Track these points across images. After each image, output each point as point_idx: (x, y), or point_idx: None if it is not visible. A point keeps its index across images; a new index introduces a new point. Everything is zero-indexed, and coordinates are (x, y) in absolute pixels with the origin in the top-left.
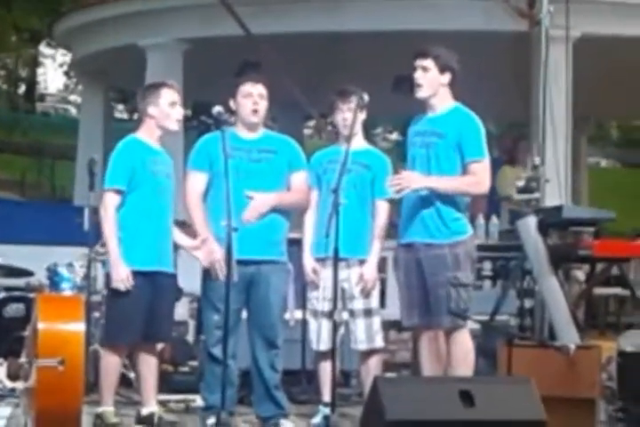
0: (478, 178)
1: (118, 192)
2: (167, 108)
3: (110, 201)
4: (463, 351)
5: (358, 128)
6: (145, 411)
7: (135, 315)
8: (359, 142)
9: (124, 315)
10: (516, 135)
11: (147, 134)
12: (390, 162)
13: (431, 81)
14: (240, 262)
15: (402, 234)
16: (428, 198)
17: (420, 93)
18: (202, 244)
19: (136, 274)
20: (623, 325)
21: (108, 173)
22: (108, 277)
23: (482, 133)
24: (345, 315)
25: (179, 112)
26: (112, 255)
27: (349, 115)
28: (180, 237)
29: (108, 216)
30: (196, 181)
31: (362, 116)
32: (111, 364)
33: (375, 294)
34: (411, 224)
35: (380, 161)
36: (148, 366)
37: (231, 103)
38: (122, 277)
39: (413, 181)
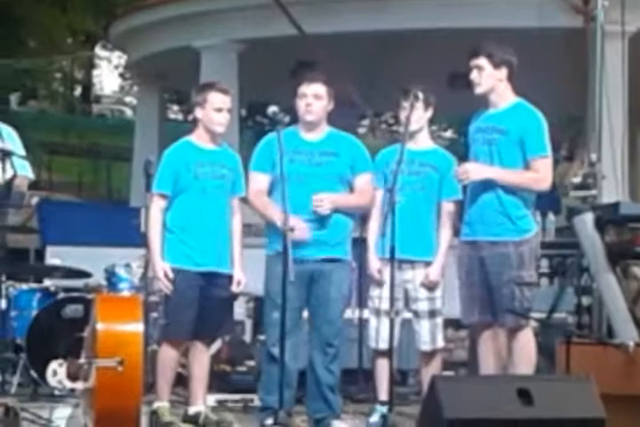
0: (541, 175)
1: (163, 196)
2: (212, 113)
3: (154, 204)
4: (526, 350)
5: (423, 126)
6: (192, 410)
7: (182, 311)
8: (425, 142)
9: (172, 311)
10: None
11: (198, 135)
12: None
13: (487, 78)
14: (302, 261)
15: (466, 231)
16: (495, 194)
17: (478, 90)
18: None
19: (182, 272)
20: None
21: (156, 177)
22: None
23: (545, 130)
24: (406, 315)
25: (224, 117)
26: (151, 255)
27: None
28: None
29: (151, 219)
30: (259, 182)
31: (427, 114)
32: (167, 358)
33: (439, 295)
34: (476, 221)
35: (447, 162)
36: (199, 365)
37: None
38: (159, 274)
39: (475, 171)
